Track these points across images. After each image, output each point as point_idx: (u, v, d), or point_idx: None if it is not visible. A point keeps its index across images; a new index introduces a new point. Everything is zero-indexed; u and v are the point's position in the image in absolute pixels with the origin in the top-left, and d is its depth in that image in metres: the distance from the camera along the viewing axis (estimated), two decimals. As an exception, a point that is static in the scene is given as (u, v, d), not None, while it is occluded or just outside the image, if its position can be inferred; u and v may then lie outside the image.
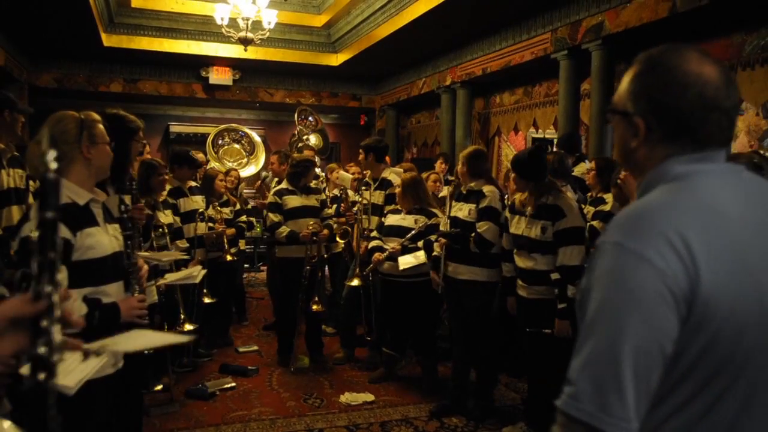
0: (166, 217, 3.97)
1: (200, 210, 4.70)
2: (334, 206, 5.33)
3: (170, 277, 3.24)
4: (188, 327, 3.91)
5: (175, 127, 10.23)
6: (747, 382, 0.96)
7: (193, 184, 4.88)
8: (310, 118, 7.34)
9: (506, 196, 4.07)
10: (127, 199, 2.52)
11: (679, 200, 0.99)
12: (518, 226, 3.39)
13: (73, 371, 1.54)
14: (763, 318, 0.94)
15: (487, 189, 3.76)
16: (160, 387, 3.94)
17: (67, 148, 1.98)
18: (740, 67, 4.17)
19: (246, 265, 7.44)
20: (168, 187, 4.58)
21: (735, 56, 4.20)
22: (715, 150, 1.03)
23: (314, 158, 4.89)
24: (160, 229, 3.64)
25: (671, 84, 1.01)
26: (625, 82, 1.08)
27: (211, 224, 4.82)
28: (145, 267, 2.39)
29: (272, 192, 4.85)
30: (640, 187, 1.09)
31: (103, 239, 2.01)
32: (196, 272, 3.16)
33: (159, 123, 10.09)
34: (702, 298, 0.91)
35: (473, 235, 3.67)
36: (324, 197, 4.92)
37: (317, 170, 5.19)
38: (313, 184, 4.92)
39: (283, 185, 4.78)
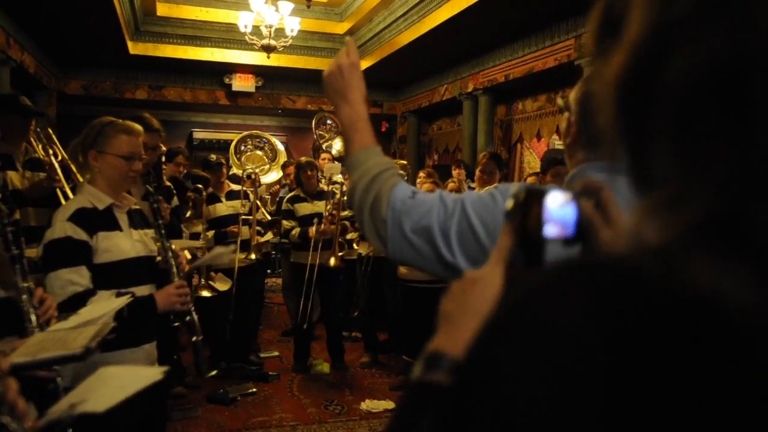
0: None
1: (242, 213, 4.67)
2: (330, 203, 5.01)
3: (199, 261, 3.11)
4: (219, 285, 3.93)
5: (198, 134, 10.36)
6: None
7: (235, 188, 4.89)
8: (329, 121, 7.34)
9: None
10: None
11: None
12: None
13: (104, 395, 1.44)
14: None
15: None
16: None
17: (83, 154, 2.04)
18: None
19: (268, 270, 7.45)
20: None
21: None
22: None
23: (306, 162, 4.91)
24: None
25: None
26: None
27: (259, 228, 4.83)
28: (184, 257, 2.34)
29: (285, 199, 4.94)
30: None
31: (122, 243, 2.01)
32: (224, 250, 2.99)
33: (182, 129, 10.21)
34: None
35: None
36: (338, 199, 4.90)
37: (339, 177, 5.16)
38: (335, 188, 4.94)
39: (297, 192, 4.89)
